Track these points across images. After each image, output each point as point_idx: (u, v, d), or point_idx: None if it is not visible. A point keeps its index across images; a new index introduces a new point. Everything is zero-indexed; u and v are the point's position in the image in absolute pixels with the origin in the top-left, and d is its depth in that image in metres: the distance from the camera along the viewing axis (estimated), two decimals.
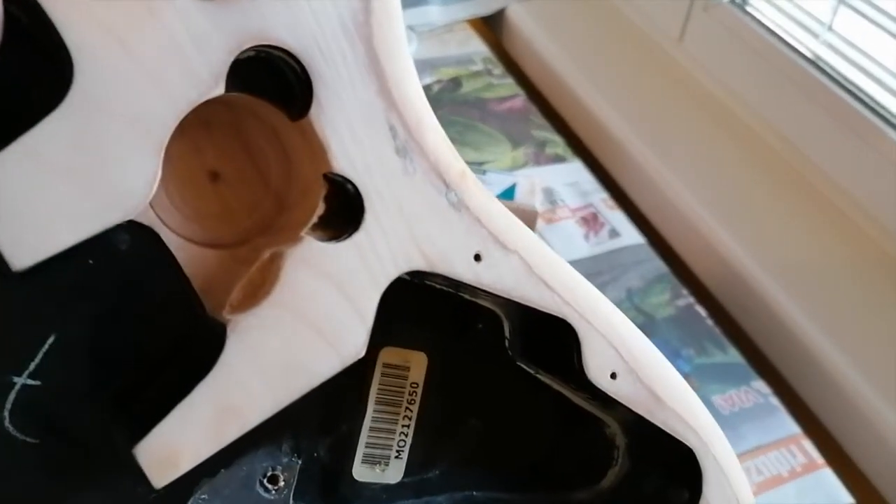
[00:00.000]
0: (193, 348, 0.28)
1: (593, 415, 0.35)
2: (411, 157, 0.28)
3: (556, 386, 0.34)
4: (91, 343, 0.28)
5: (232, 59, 0.25)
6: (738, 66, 0.74)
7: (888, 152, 0.61)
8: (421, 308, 0.31)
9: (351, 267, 0.28)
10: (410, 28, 0.94)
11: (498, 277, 0.30)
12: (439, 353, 0.33)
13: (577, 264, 0.70)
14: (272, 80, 0.26)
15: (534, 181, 0.75)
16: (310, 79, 0.26)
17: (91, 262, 0.26)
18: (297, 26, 0.25)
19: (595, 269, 0.70)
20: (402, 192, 0.28)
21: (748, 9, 0.73)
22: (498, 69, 0.92)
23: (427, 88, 0.87)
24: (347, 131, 0.27)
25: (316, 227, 0.28)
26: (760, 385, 0.63)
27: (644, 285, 0.69)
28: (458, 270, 0.29)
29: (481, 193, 0.30)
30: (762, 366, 0.66)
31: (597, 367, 0.32)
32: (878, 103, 0.63)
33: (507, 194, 0.73)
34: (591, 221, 0.75)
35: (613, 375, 0.32)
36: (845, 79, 0.65)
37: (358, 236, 0.28)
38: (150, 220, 0.27)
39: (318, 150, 0.27)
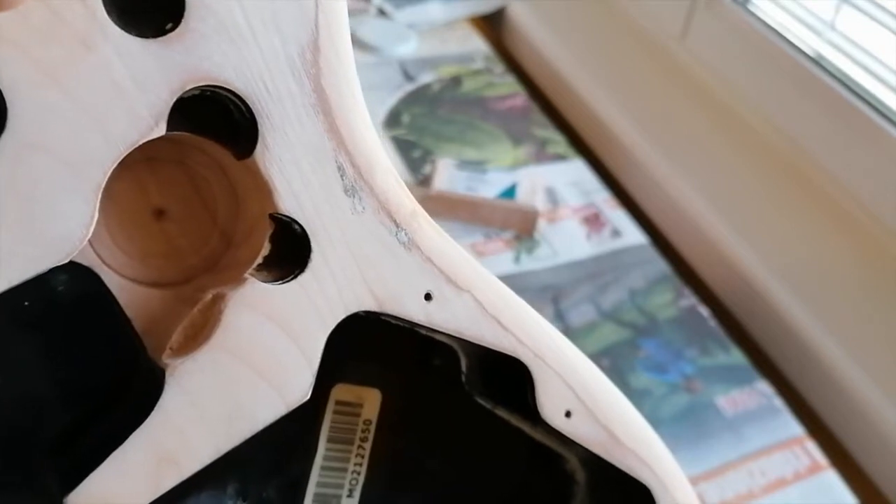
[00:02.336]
0: (132, 393, 0.28)
1: (552, 450, 0.34)
2: (360, 197, 0.27)
3: (514, 422, 0.33)
4: (25, 387, 0.27)
5: (174, 99, 0.24)
6: (741, 64, 0.74)
7: (890, 150, 0.61)
8: (375, 344, 0.30)
9: (297, 308, 0.27)
10: (411, 26, 0.94)
11: (450, 317, 0.29)
12: (394, 390, 0.33)
13: (578, 264, 0.70)
14: (216, 119, 0.25)
15: (535, 180, 0.74)
16: (255, 119, 0.25)
17: (26, 303, 0.25)
18: (244, 66, 0.24)
19: (597, 270, 0.70)
20: (350, 232, 0.27)
21: (750, 7, 0.73)
22: (499, 67, 0.92)
23: (427, 87, 0.87)
24: (294, 171, 0.26)
25: (261, 268, 0.27)
26: (764, 386, 0.62)
27: (646, 286, 0.69)
28: (409, 310, 0.29)
29: (434, 232, 0.29)
30: (765, 367, 0.65)
31: (551, 407, 0.32)
32: (879, 101, 0.62)
33: (508, 193, 0.73)
34: (593, 221, 0.74)
35: (568, 414, 0.32)
36: (847, 77, 0.65)
37: (304, 277, 0.27)
38: (90, 260, 0.27)
39: (264, 189, 0.26)
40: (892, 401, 0.58)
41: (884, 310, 0.62)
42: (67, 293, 0.26)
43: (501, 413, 0.33)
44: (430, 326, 0.29)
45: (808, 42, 0.68)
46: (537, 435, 0.33)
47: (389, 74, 0.87)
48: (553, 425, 0.32)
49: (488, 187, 0.73)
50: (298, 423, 0.29)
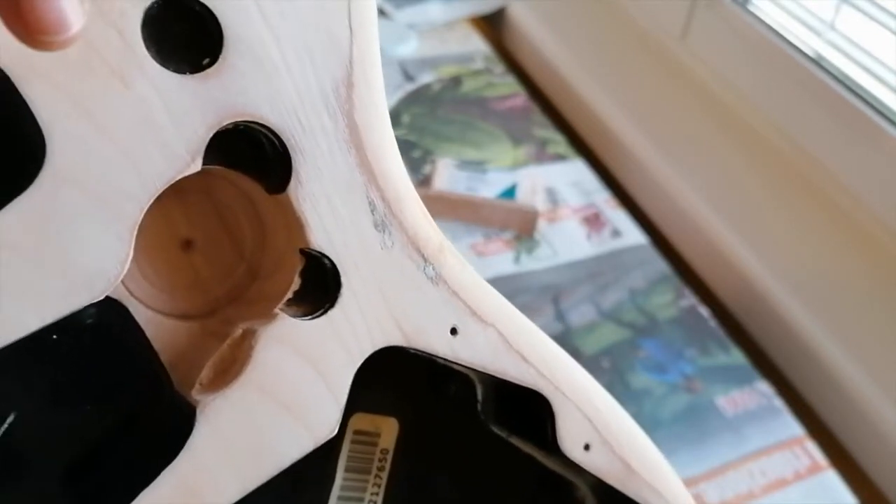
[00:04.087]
0: (160, 428, 0.27)
1: (564, 478, 0.34)
2: (390, 231, 0.27)
3: (527, 449, 0.33)
4: (53, 421, 0.26)
5: (211, 134, 0.24)
6: (741, 65, 0.74)
7: (889, 150, 0.61)
8: (393, 373, 0.30)
9: (326, 344, 0.27)
10: (411, 26, 0.94)
11: (474, 351, 0.30)
12: (411, 419, 0.33)
13: (578, 264, 0.70)
14: (249, 152, 0.25)
15: (535, 180, 0.74)
16: (289, 154, 0.25)
17: (55, 337, 0.24)
18: (279, 101, 0.24)
19: (597, 270, 0.70)
20: (379, 267, 0.27)
21: (750, 7, 0.73)
22: (499, 67, 0.92)
23: (427, 87, 0.87)
24: (326, 206, 0.26)
25: (290, 303, 0.27)
26: (764, 386, 0.62)
27: (647, 286, 0.69)
28: (435, 345, 0.29)
29: (459, 266, 0.29)
30: (765, 367, 0.65)
31: (571, 440, 0.32)
32: (879, 101, 0.62)
33: (508, 193, 0.73)
34: (593, 221, 0.74)
35: (587, 447, 0.32)
36: (847, 77, 0.65)
37: (334, 312, 0.27)
38: (118, 293, 0.26)
39: (295, 224, 0.26)
40: (891, 401, 0.58)
41: (884, 310, 0.62)
42: (95, 326, 0.26)
43: (515, 441, 0.33)
44: (455, 361, 0.29)
45: (808, 42, 0.68)
46: (550, 463, 0.33)
47: (389, 74, 0.87)
48: (572, 458, 0.32)
49: (488, 187, 0.73)
50: (317, 453, 0.29)
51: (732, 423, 0.59)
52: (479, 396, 0.32)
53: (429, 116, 0.83)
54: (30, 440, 0.26)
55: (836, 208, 0.66)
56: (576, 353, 0.62)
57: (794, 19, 0.70)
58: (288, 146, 0.25)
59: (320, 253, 0.27)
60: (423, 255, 0.28)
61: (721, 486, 0.56)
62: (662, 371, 0.62)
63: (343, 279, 0.27)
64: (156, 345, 0.27)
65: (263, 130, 0.25)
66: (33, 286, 0.23)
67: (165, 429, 0.27)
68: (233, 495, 0.27)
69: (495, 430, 0.33)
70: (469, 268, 0.29)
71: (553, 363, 0.31)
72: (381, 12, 0.95)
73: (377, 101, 0.26)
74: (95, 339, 0.26)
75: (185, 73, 0.23)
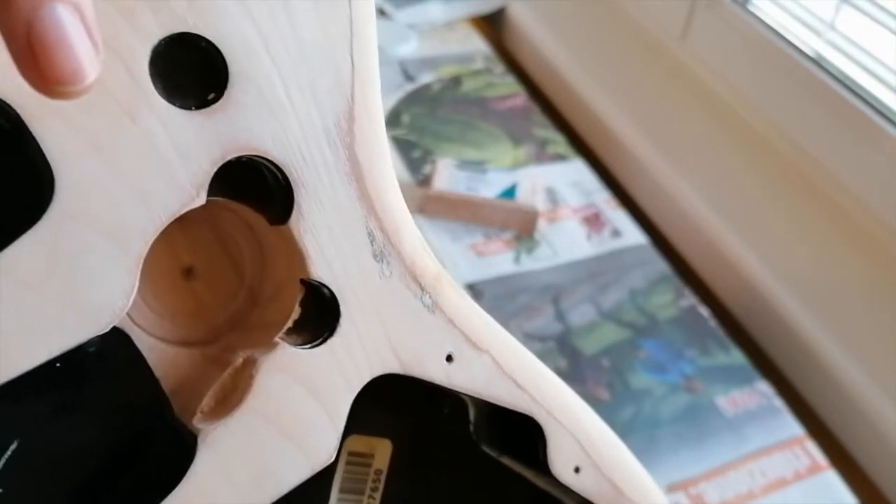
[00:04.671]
0: (161, 456, 0.28)
1: (554, 496, 0.35)
2: (388, 262, 0.28)
3: (518, 469, 0.34)
4: (55, 449, 0.27)
5: (215, 169, 0.24)
6: (741, 65, 0.74)
7: (889, 150, 0.61)
8: (388, 396, 0.31)
9: (326, 372, 0.28)
10: (411, 26, 0.94)
11: (469, 378, 0.30)
12: (404, 439, 0.33)
13: (578, 264, 0.70)
14: (252, 185, 0.26)
15: (535, 180, 0.74)
16: (291, 186, 0.25)
17: (59, 365, 0.24)
18: (282, 135, 0.24)
19: (597, 270, 0.70)
20: (378, 296, 0.28)
21: (750, 7, 0.73)
22: (499, 67, 0.92)
23: (427, 87, 0.87)
24: (327, 238, 0.26)
25: (290, 331, 0.28)
26: (764, 386, 0.62)
27: (647, 286, 0.69)
28: (432, 372, 0.29)
29: (456, 294, 0.30)
30: (765, 367, 0.65)
31: (561, 463, 0.33)
32: (879, 101, 0.62)
33: (509, 193, 0.73)
34: (593, 221, 0.74)
35: (577, 470, 0.33)
36: (847, 77, 0.65)
37: (333, 341, 0.27)
38: (121, 322, 0.26)
39: (296, 255, 0.26)
40: (891, 401, 0.58)
41: (884, 310, 0.62)
42: (98, 354, 0.26)
43: (506, 461, 0.34)
44: (450, 387, 0.30)
45: (808, 42, 0.68)
46: (540, 483, 0.34)
47: (390, 74, 0.87)
48: (562, 480, 0.33)
49: (488, 187, 0.73)
50: (313, 475, 0.29)
51: (732, 423, 0.59)
52: (472, 418, 0.33)
53: (429, 116, 0.83)
54: (33, 467, 0.26)
55: (836, 208, 0.66)
56: (576, 353, 0.62)
57: (794, 19, 0.70)
58: (290, 179, 0.25)
59: (320, 283, 0.27)
60: (420, 285, 0.28)
61: (721, 486, 0.56)
62: (662, 371, 0.62)
63: (342, 308, 0.27)
64: (157, 372, 0.28)
65: (266, 163, 0.25)
66: (41, 319, 0.23)
67: (167, 457, 0.27)
68: None
69: (487, 450, 0.33)
70: (465, 296, 0.30)
71: (546, 388, 0.32)
72: (382, 12, 0.95)
73: (378, 133, 0.26)
74: (98, 366, 0.26)
75: (190, 108, 0.23)
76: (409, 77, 0.88)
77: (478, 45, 0.95)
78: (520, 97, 0.88)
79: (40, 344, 0.23)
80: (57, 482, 0.27)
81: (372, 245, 0.27)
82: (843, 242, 0.66)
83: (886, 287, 0.63)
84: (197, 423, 0.27)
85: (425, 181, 0.74)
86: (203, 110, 0.23)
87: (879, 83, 0.63)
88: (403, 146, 0.79)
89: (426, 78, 0.88)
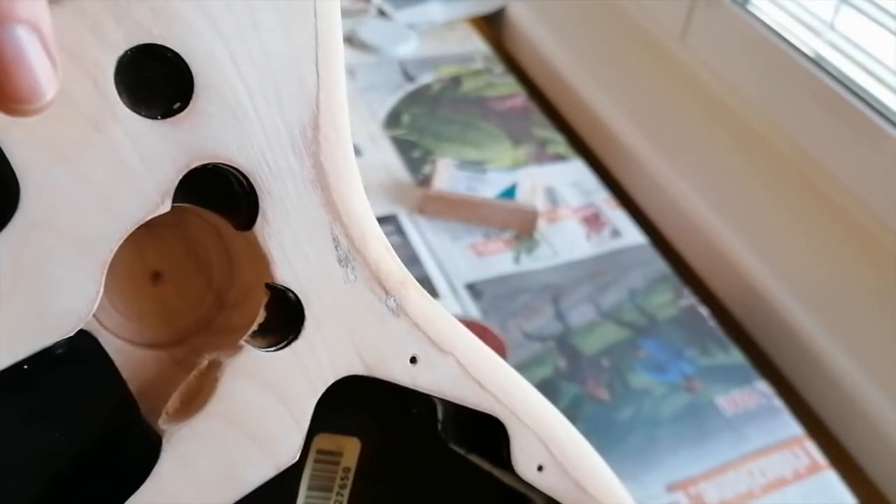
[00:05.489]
0: (127, 456, 0.28)
1: (521, 493, 0.35)
2: (353, 266, 0.28)
3: (485, 467, 0.34)
4: (19, 450, 0.27)
5: (180, 177, 0.24)
6: (741, 65, 0.74)
7: (888, 150, 0.61)
8: (356, 395, 0.31)
9: (289, 375, 0.28)
10: (411, 26, 0.94)
11: (434, 379, 0.31)
12: (372, 438, 0.34)
13: (578, 264, 0.70)
14: (218, 191, 0.26)
15: (535, 180, 0.74)
16: (256, 193, 0.26)
17: (25, 367, 0.25)
18: (247, 144, 0.25)
19: (597, 269, 0.70)
20: (342, 300, 0.28)
21: (750, 7, 0.73)
22: (498, 67, 0.92)
23: (427, 87, 0.87)
24: (292, 243, 0.27)
25: (256, 335, 0.28)
26: (763, 386, 0.62)
27: (646, 286, 0.69)
28: (396, 374, 0.30)
29: (420, 298, 0.30)
30: (765, 367, 0.65)
31: (525, 461, 0.33)
32: (879, 101, 0.62)
33: (508, 193, 0.73)
34: (593, 221, 0.74)
35: (540, 468, 0.33)
36: (847, 77, 0.65)
37: (297, 344, 0.28)
38: (88, 324, 0.26)
39: (261, 259, 0.27)
40: (891, 400, 0.59)
41: (883, 309, 0.62)
42: (65, 356, 0.26)
43: (474, 459, 0.34)
44: (415, 389, 0.30)
45: (808, 42, 0.68)
46: (507, 479, 0.35)
47: (390, 74, 0.87)
48: (525, 479, 0.33)
49: (488, 187, 0.73)
50: (280, 473, 0.30)
51: (732, 422, 0.59)
52: (440, 416, 0.33)
53: (429, 116, 0.83)
54: None
55: (836, 208, 0.66)
56: (576, 353, 0.62)
57: (793, 19, 0.70)
58: (255, 187, 0.25)
59: (285, 287, 0.27)
60: (384, 289, 0.29)
61: (721, 485, 0.56)
62: (662, 371, 0.62)
63: (307, 312, 0.28)
64: (124, 373, 0.28)
65: (232, 171, 0.25)
66: (5, 325, 0.23)
67: (132, 456, 0.27)
68: None
69: (455, 448, 0.34)
70: (430, 299, 0.31)
71: (510, 389, 0.32)
72: (381, 12, 0.95)
73: (344, 141, 0.26)
74: (65, 368, 0.26)
75: (156, 118, 0.23)
76: (409, 77, 0.88)
77: (478, 45, 0.95)
78: (519, 97, 0.88)
79: (4, 348, 0.23)
80: (22, 483, 0.27)
81: (337, 250, 0.28)
82: (842, 242, 0.66)
83: (886, 287, 0.63)
84: (162, 423, 0.27)
85: (425, 181, 0.74)
86: (168, 119, 0.23)
87: (879, 83, 0.63)
88: (403, 146, 0.79)
89: (426, 78, 0.88)
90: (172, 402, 0.28)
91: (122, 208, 0.24)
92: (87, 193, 0.23)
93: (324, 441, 0.33)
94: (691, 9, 0.78)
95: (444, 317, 0.31)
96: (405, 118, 0.82)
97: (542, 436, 0.33)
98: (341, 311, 0.28)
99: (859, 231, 0.65)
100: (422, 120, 0.82)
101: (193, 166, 0.24)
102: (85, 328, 0.26)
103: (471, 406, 0.32)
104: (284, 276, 0.27)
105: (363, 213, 0.28)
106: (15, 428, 0.27)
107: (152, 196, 0.24)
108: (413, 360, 0.30)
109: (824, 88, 0.65)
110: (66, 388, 0.27)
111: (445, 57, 0.92)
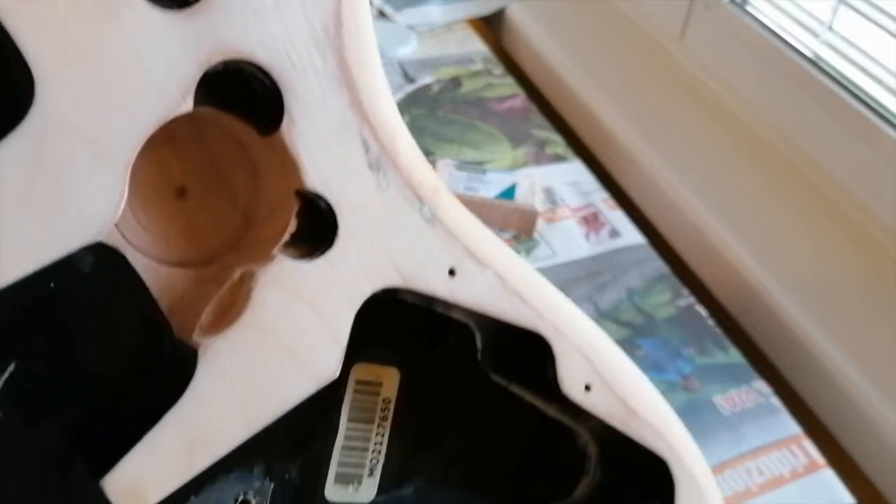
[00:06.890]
0: (161, 374, 0.27)
1: (565, 425, 0.34)
2: (385, 172, 0.27)
3: (527, 397, 0.33)
4: (53, 370, 0.26)
5: (201, 73, 0.23)
6: (739, 65, 0.74)
7: (887, 151, 0.61)
8: (392, 323, 0.30)
9: (324, 286, 0.27)
10: (410, 27, 0.94)
11: (473, 293, 0.29)
12: (411, 368, 0.33)
13: (577, 264, 0.70)
14: (240, 94, 0.25)
15: (534, 181, 0.75)
16: (280, 93, 0.25)
17: (53, 285, 0.25)
18: (267, 39, 0.24)
19: (595, 269, 0.70)
20: (375, 208, 0.27)
21: (748, 8, 0.73)
22: (498, 69, 0.92)
23: (427, 88, 0.87)
24: (320, 146, 0.26)
25: (287, 245, 0.27)
26: (761, 385, 0.62)
27: (644, 285, 0.69)
28: (433, 286, 0.29)
29: (455, 208, 0.29)
30: (763, 366, 0.65)
31: (571, 380, 0.31)
32: (877, 102, 0.63)
33: (508, 194, 0.73)
34: (592, 221, 0.74)
35: (587, 388, 0.32)
36: (845, 78, 0.65)
37: (331, 253, 0.27)
38: (115, 240, 0.26)
39: (289, 165, 0.26)
40: (889, 399, 0.59)
41: (881, 309, 0.63)
42: (94, 274, 0.26)
43: (515, 389, 0.33)
44: (454, 302, 0.29)
45: (806, 43, 0.69)
46: (550, 410, 0.33)
47: (389, 75, 0.87)
48: (572, 399, 0.32)
49: (487, 188, 0.73)
50: (320, 403, 0.29)
51: (730, 421, 0.60)
52: (479, 345, 0.32)
53: (428, 117, 0.83)
54: (33, 388, 0.26)
55: (834, 208, 0.67)
56: None
57: (791, 20, 0.70)
58: (279, 85, 0.25)
59: (316, 194, 0.26)
60: (418, 196, 0.28)
61: (719, 484, 0.56)
62: (660, 370, 0.62)
63: (340, 220, 0.27)
64: (154, 292, 0.27)
65: (254, 71, 0.24)
66: (27, 228, 0.23)
67: (168, 372, 0.27)
68: (237, 437, 0.27)
69: (495, 378, 0.33)
70: (466, 211, 0.29)
71: (552, 304, 0.31)
72: (381, 14, 0.95)
73: (367, 40, 0.25)
74: (93, 286, 0.26)
75: (172, 8, 0.23)
76: (408, 78, 0.88)
77: (477, 46, 0.95)
78: (519, 98, 0.88)
79: (27, 253, 0.23)
80: (58, 402, 0.27)
81: (367, 154, 0.26)
82: (840, 242, 0.67)
83: (883, 287, 0.63)
84: (196, 337, 0.27)
85: None
86: (185, 10, 0.23)
87: (877, 84, 0.63)
88: None
89: (425, 79, 0.88)
90: (206, 316, 0.27)
91: (141, 104, 0.23)
92: (104, 88, 0.22)
93: (363, 371, 0.32)
94: (690, 10, 0.78)
95: (479, 228, 0.30)
96: (405, 119, 0.82)
97: (588, 353, 0.32)
98: (375, 220, 0.27)
99: (857, 231, 0.65)
100: (421, 121, 0.83)
101: (214, 62, 0.23)
102: (112, 245, 0.25)
103: (512, 322, 0.30)
104: (314, 181, 0.26)
105: (392, 116, 0.27)
106: (48, 348, 0.26)
107: (172, 92, 0.23)
108: (451, 272, 0.29)
109: (822, 89, 0.66)
110: (95, 304, 0.26)
111: (445, 58, 0.92)
